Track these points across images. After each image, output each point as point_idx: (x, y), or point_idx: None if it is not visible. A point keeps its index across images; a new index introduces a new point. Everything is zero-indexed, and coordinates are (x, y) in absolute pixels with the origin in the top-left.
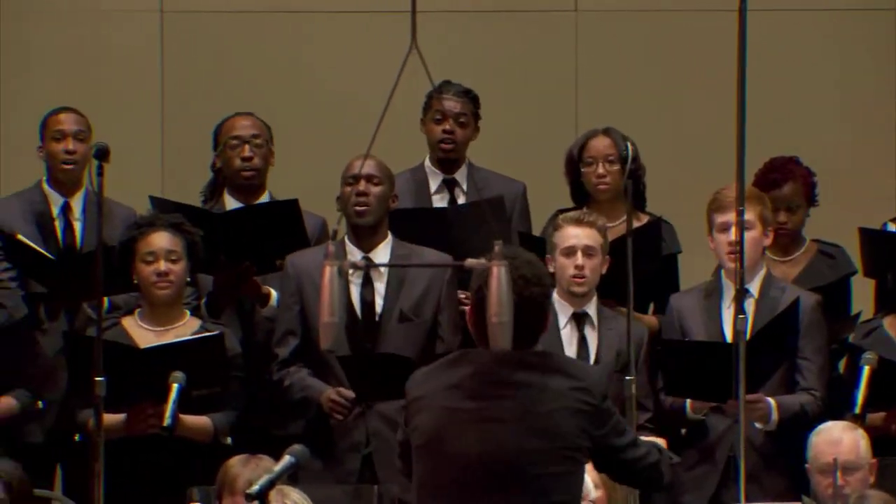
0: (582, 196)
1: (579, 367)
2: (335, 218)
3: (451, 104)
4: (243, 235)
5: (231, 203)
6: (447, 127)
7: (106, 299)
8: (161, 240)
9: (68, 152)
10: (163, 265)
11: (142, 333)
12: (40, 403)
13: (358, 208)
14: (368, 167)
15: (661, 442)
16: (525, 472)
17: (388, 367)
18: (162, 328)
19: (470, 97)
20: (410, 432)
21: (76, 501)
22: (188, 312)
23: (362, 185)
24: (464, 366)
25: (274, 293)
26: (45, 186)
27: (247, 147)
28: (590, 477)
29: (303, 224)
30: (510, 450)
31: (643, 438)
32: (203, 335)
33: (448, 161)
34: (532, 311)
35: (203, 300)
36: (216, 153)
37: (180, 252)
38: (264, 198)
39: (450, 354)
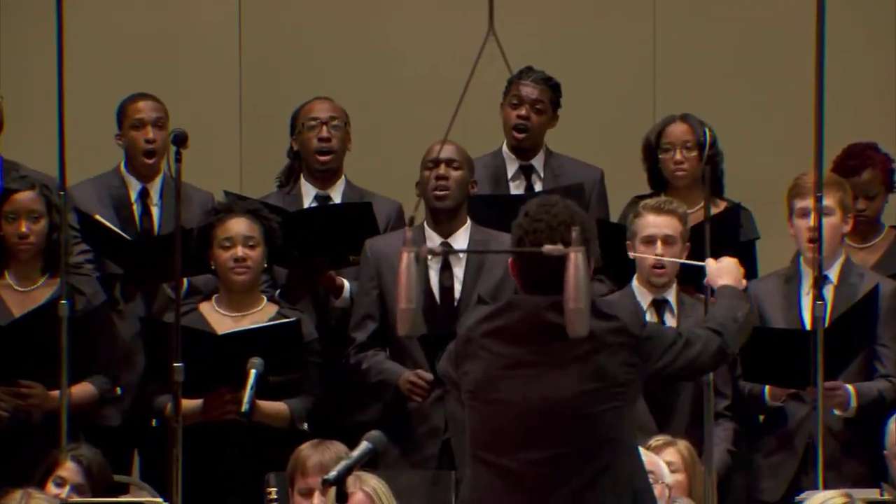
0: (660, 182)
1: (612, 306)
2: (411, 203)
3: (529, 90)
4: (317, 233)
5: (307, 188)
6: (522, 112)
7: (185, 281)
8: (239, 225)
9: (148, 141)
10: (240, 251)
11: (219, 319)
12: (118, 389)
13: (437, 192)
14: (448, 151)
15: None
16: (575, 412)
17: None
18: (239, 314)
19: (549, 85)
20: (461, 375)
21: (154, 486)
22: (265, 298)
23: (442, 169)
24: (507, 313)
25: (347, 284)
26: (124, 171)
27: (324, 128)
28: (664, 461)
29: (376, 224)
30: (560, 392)
31: (697, 329)
32: (280, 321)
33: (523, 147)
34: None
35: (277, 291)
36: (293, 137)
37: (258, 238)
38: (340, 183)
39: (499, 303)
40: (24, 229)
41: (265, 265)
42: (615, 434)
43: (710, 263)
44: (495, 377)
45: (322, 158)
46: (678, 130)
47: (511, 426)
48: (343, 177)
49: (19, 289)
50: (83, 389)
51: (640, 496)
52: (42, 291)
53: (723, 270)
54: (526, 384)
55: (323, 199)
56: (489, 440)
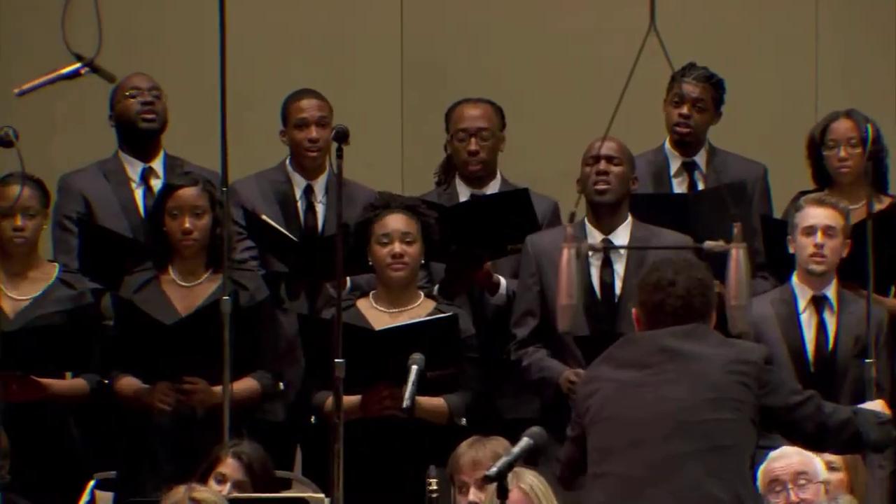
0: (824, 178)
1: (733, 339)
2: (570, 200)
3: (690, 88)
4: (474, 224)
5: (462, 188)
6: (684, 111)
7: (347, 280)
8: (396, 222)
9: (311, 140)
10: (398, 247)
11: (376, 315)
12: (281, 385)
13: (598, 187)
14: (609, 148)
15: (879, 405)
16: (691, 419)
17: None
18: (396, 310)
19: (712, 82)
20: (586, 420)
21: (316, 482)
22: (422, 294)
23: (603, 165)
24: (628, 346)
25: (503, 281)
26: (289, 168)
27: (473, 141)
28: (823, 460)
29: (533, 211)
30: (680, 402)
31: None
32: (437, 316)
33: (684, 144)
34: (699, 292)
35: (435, 287)
36: (447, 138)
37: (415, 234)
38: (495, 182)
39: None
40: (187, 225)
41: (423, 261)
42: (731, 441)
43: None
44: (614, 400)
45: (472, 168)
46: (842, 127)
47: (625, 435)
48: (498, 175)
49: (183, 284)
50: (246, 385)
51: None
52: (205, 287)
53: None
54: (641, 399)
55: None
56: (603, 455)
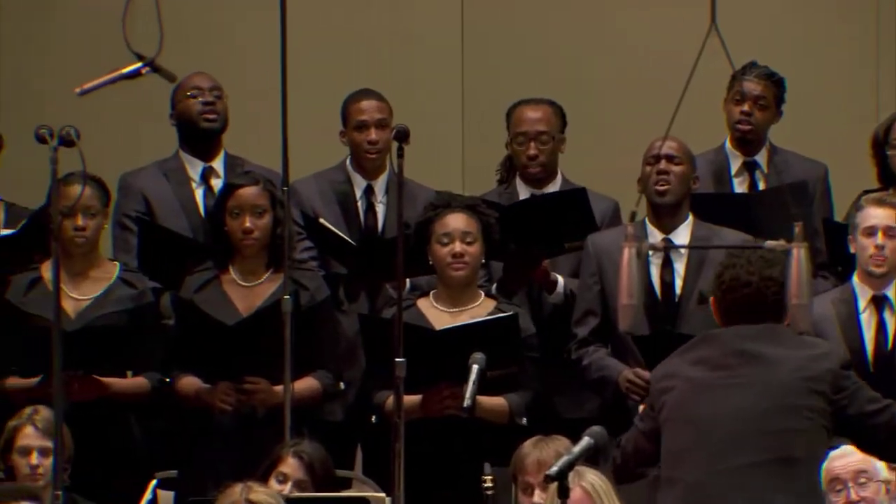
0: (888, 178)
1: (813, 339)
2: (629, 200)
3: (752, 86)
4: (532, 223)
5: (522, 188)
6: (745, 108)
7: (406, 281)
8: (457, 221)
9: (370, 142)
10: (458, 246)
11: (437, 314)
12: (341, 384)
13: (659, 187)
14: (670, 148)
15: None
16: (764, 427)
17: None
18: (457, 309)
19: (773, 80)
20: (661, 417)
21: (376, 481)
22: (482, 294)
23: (663, 165)
24: (705, 345)
25: (561, 280)
26: (349, 168)
27: (532, 145)
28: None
29: (591, 210)
30: (753, 408)
31: None
32: (498, 316)
33: (745, 142)
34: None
35: (494, 286)
36: (509, 137)
37: (476, 233)
38: (555, 182)
39: (695, 338)
40: (248, 224)
41: (483, 261)
42: (803, 453)
43: None
44: (688, 400)
45: (531, 171)
46: None
47: (697, 440)
48: (559, 175)
49: (244, 284)
50: (307, 384)
51: None
52: (266, 287)
53: None
54: (715, 402)
55: None
56: (676, 459)
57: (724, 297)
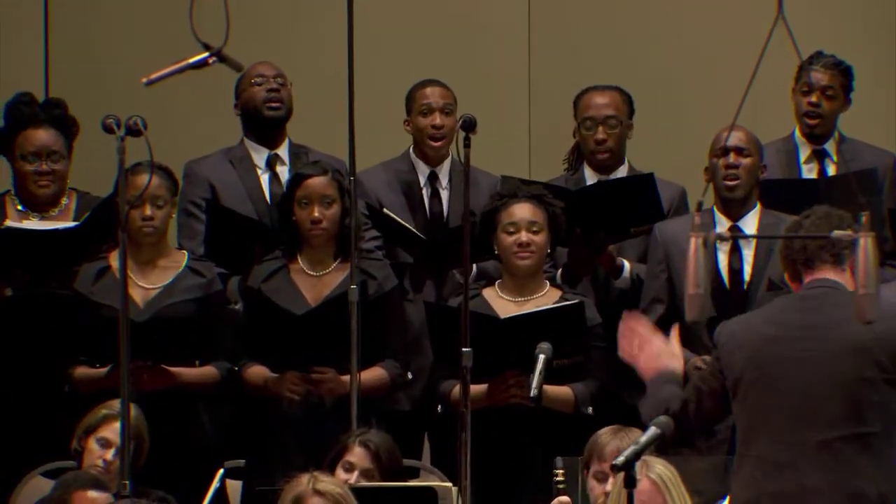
0: None
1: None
2: (696, 188)
3: (819, 76)
4: (598, 208)
5: (589, 174)
6: (813, 99)
7: (473, 266)
8: (523, 211)
9: (435, 127)
10: (524, 236)
11: (502, 303)
12: (409, 374)
13: (728, 182)
14: (738, 139)
15: None
16: (843, 398)
17: None
18: (522, 298)
19: (840, 69)
20: (729, 378)
21: (443, 471)
22: (548, 283)
23: (732, 158)
24: (775, 307)
25: (627, 265)
26: (413, 156)
27: (600, 129)
28: None
29: (658, 196)
30: (827, 376)
31: None
32: (564, 304)
33: (814, 136)
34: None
35: (559, 272)
36: (576, 126)
37: (542, 223)
38: (623, 169)
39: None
40: (316, 214)
41: (549, 250)
42: (879, 427)
43: None
44: (758, 362)
45: (599, 157)
46: None
47: (773, 409)
48: (626, 163)
49: (312, 273)
50: (375, 374)
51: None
52: (334, 276)
53: None
54: (789, 368)
55: None
56: (751, 432)
57: (787, 255)
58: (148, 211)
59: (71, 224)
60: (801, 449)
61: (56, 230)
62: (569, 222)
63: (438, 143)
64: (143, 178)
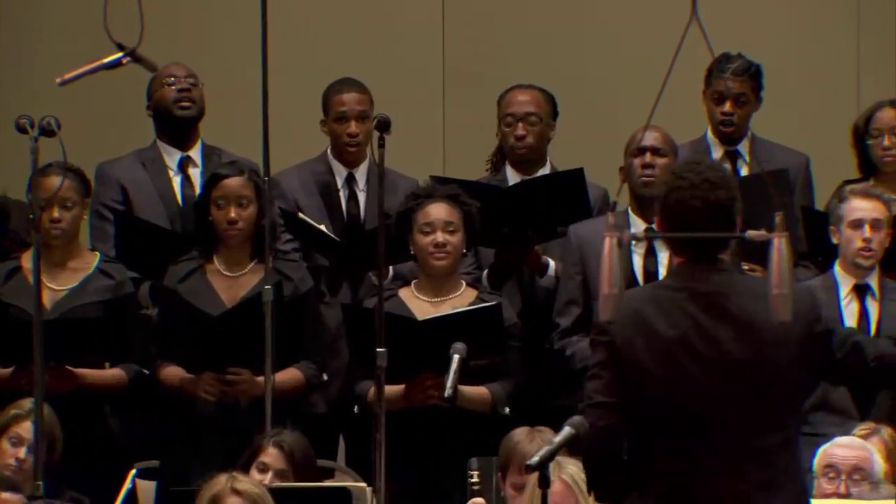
0: (869, 168)
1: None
2: (613, 190)
3: (731, 84)
4: (527, 207)
5: (511, 175)
6: (726, 108)
7: (389, 269)
8: (439, 211)
9: (350, 135)
10: (440, 236)
11: (419, 304)
12: (324, 375)
13: (644, 179)
14: (654, 139)
15: None
16: (760, 389)
17: None
18: (438, 298)
19: (751, 73)
20: (626, 383)
21: (358, 472)
22: (464, 283)
23: (648, 157)
24: (665, 289)
25: (552, 263)
26: (330, 157)
27: (520, 125)
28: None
29: (587, 192)
30: (739, 365)
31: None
32: (481, 306)
33: (730, 140)
34: (720, 217)
35: (485, 272)
36: (498, 124)
37: (457, 223)
38: (544, 169)
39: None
40: (233, 215)
41: (465, 250)
42: (792, 431)
43: None
44: (656, 356)
45: (519, 152)
46: (887, 116)
47: (684, 411)
48: (548, 162)
49: (228, 274)
50: (290, 375)
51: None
52: (250, 277)
53: None
54: (692, 359)
55: None
56: (657, 442)
57: (667, 221)
58: (56, 213)
59: None
60: (733, 465)
61: None
62: (497, 222)
63: (353, 149)
64: (52, 180)
